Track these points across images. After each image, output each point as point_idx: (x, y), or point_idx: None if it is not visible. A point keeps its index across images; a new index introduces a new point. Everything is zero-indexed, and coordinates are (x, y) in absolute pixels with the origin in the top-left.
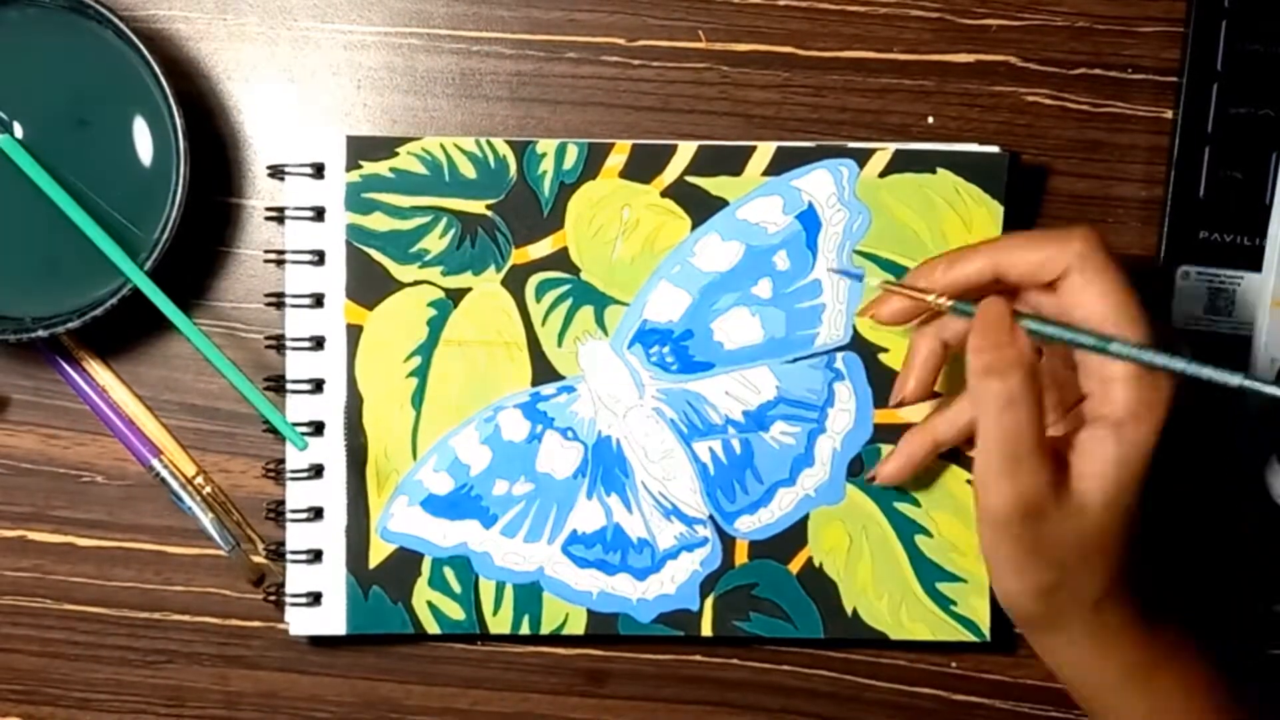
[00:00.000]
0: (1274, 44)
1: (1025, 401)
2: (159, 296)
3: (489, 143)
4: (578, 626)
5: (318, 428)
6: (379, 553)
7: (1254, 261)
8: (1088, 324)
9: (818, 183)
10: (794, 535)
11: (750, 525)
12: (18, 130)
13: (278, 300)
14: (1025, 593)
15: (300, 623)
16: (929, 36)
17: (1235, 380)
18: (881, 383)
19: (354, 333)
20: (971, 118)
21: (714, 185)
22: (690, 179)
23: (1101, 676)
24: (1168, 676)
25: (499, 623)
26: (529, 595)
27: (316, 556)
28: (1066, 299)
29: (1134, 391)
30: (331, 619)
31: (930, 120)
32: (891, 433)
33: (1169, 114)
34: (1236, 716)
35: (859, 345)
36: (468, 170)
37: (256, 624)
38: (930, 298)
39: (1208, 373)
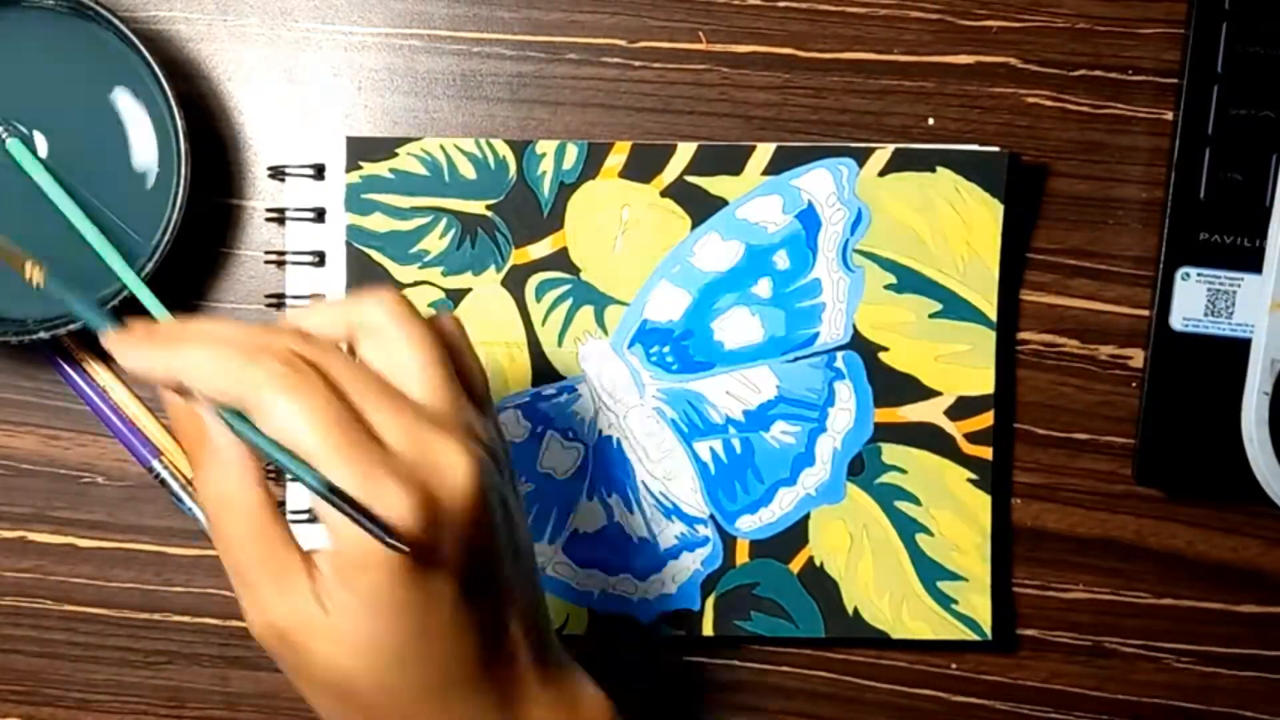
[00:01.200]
0: (1274, 46)
1: (238, 519)
2: (154, 303)
3: (489, 143)
4: (579, 626)
5: None
6: None
7: (1254, 263)
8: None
9: (817, 182)
10: (795, 534)
11: (751, 524)
12: (20, 131)
13: (278, 301)
14: (329, 715)
15: None
16: (929, 38)
17: (314, 479)
18: (882, 382)
19: None
20: (972, 119)
21: (713, 185)
22: (690, 179)
23: None
24: None
25: None
26: None
27: None
28: (260, 423)
29: (353, 531)
30: None
31: (930, 122)
32: (892, 431)
33: (1169, 115)
34: None
35: (859, 344)
36: (467, 171)
37: None
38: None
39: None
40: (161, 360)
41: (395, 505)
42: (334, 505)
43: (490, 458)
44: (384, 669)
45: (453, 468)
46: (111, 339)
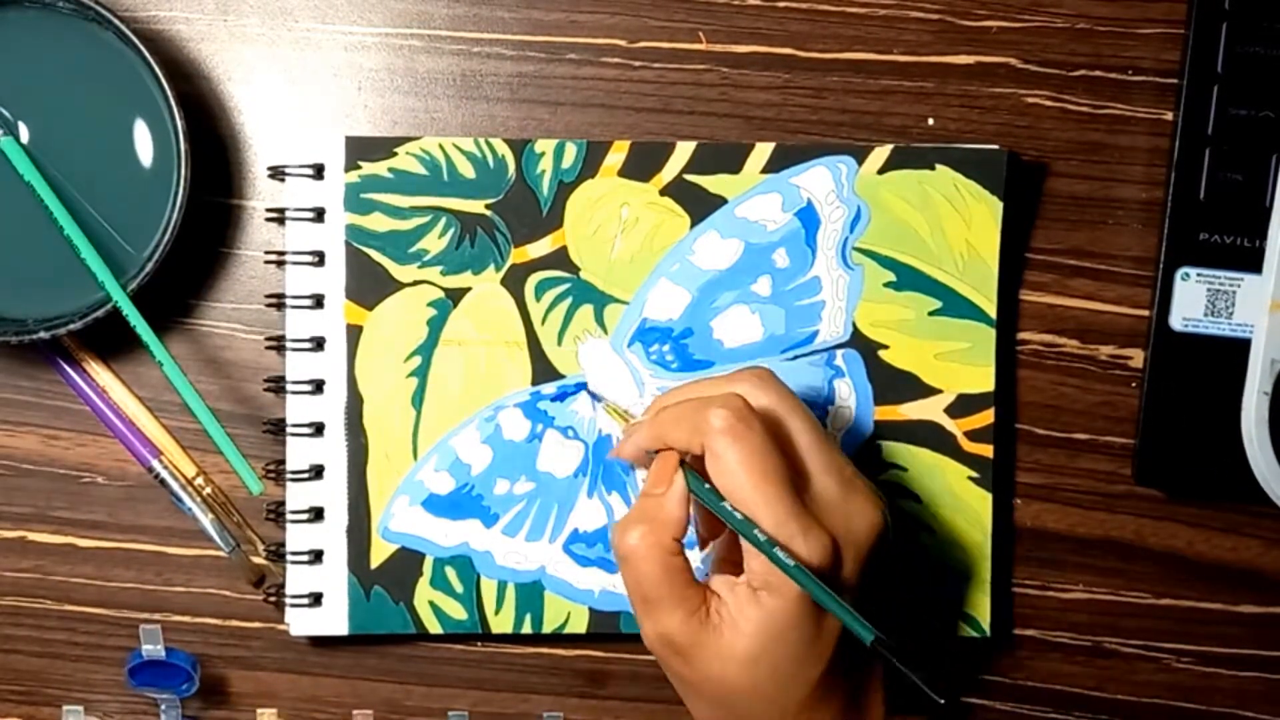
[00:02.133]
0: (1274, 46)
1: (644, 558)
2: (135, 316)
3: (488, 142)
4: (580, 625)
5: (318, 428)
6: (380, 553)
7: (1254, 263)
8: (728, 495)
9: (816, 180)
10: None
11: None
12: (21, 131)
13: (278, 301)
14: (701, 716)
15: (301, 623)
16: (929, 38)
17: (866, 635)
18: (882, 380)
19: (354, 333)
20: (972, 119)
21: (712, 183)
22: (689, 177)
23: None
24: None
25: (501, 622)
26: (531, 594)
27: (317, 557)
28: (711, 468)
29: (766, 567)
30: (333, 619)
31: (930, 122)
32: (893, 429)
33: (1169, 116)
34: None
35: (859, 342)
36: (466, 170)
37: (256, 624)
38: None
39: (816, 593)
40: (646, 431)
41: (814, 546)
42: (878, 645)
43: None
44: (767, 683)
45: (864, 516)
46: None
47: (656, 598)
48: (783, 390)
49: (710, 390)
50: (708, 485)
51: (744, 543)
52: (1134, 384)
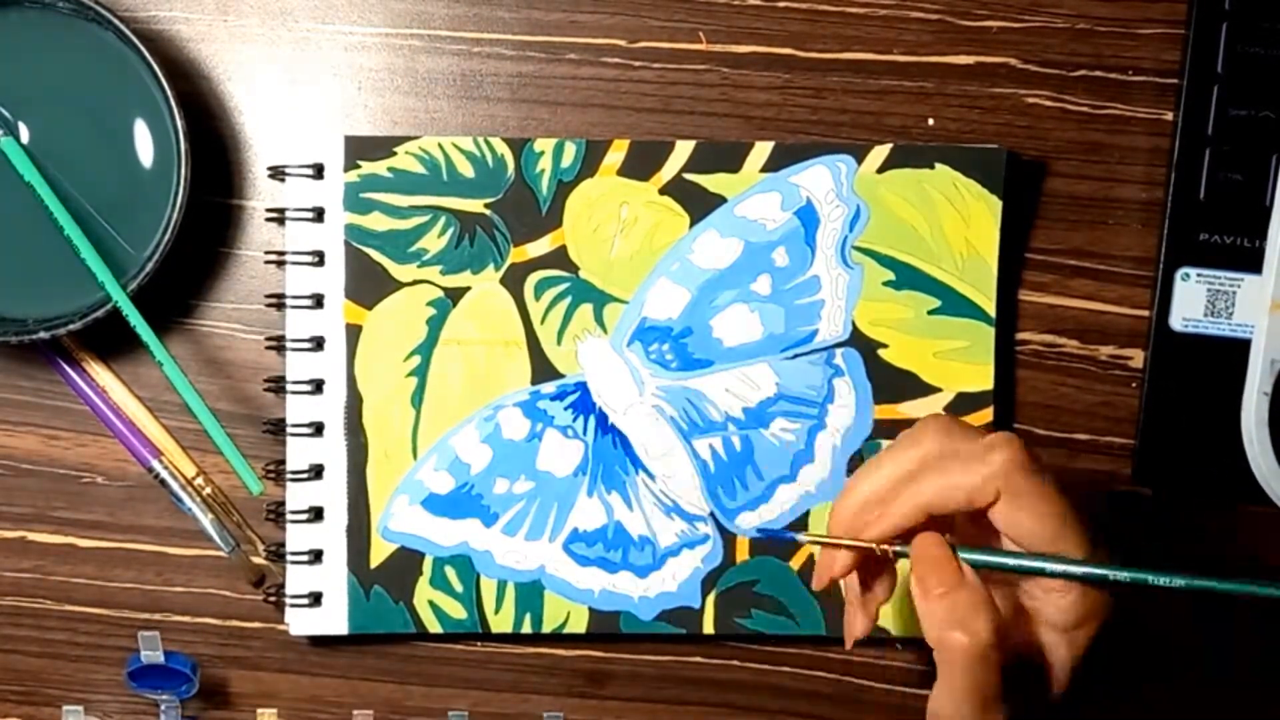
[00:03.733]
0: (1274, 46)
1: (994, 653)
2: (135, 316)
3: (487, 141)
4: (579, 625)
5: (318, 428)
6: (380, 552)
7: (1254, 263)
8: (1025, 544)
9: (816, 179)
10: (795, 531)
11: (751, 522)
12: (21, 131)
13: (278, 301)
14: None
15: (301, 623)
16: (929, 38)
17: (1179, 582)
18: (881, 378)
19: (353, 332)
20: (972, 119)
21: (712, 182)
22: (688, 176)
23: None
24: None
25: (501, 621)
26: (531, 594)
27: (317, 557)
28: (1000, 522)
29: (1078, 601)
30: (333, 619)
31: (930, 122)
32: (892, 428)
33: (1169, 116)
34: None
35: (858, 341)
36: (466, 169)
37: (256, 624)
38: (874, 546)
39: (1149, 578)
40: (907, 504)
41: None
42: None
43: None
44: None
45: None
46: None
47: (996, 695)
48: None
49: (903, 454)
50: (995, 553)
51: (1046, 583)
52: (1134, 384)
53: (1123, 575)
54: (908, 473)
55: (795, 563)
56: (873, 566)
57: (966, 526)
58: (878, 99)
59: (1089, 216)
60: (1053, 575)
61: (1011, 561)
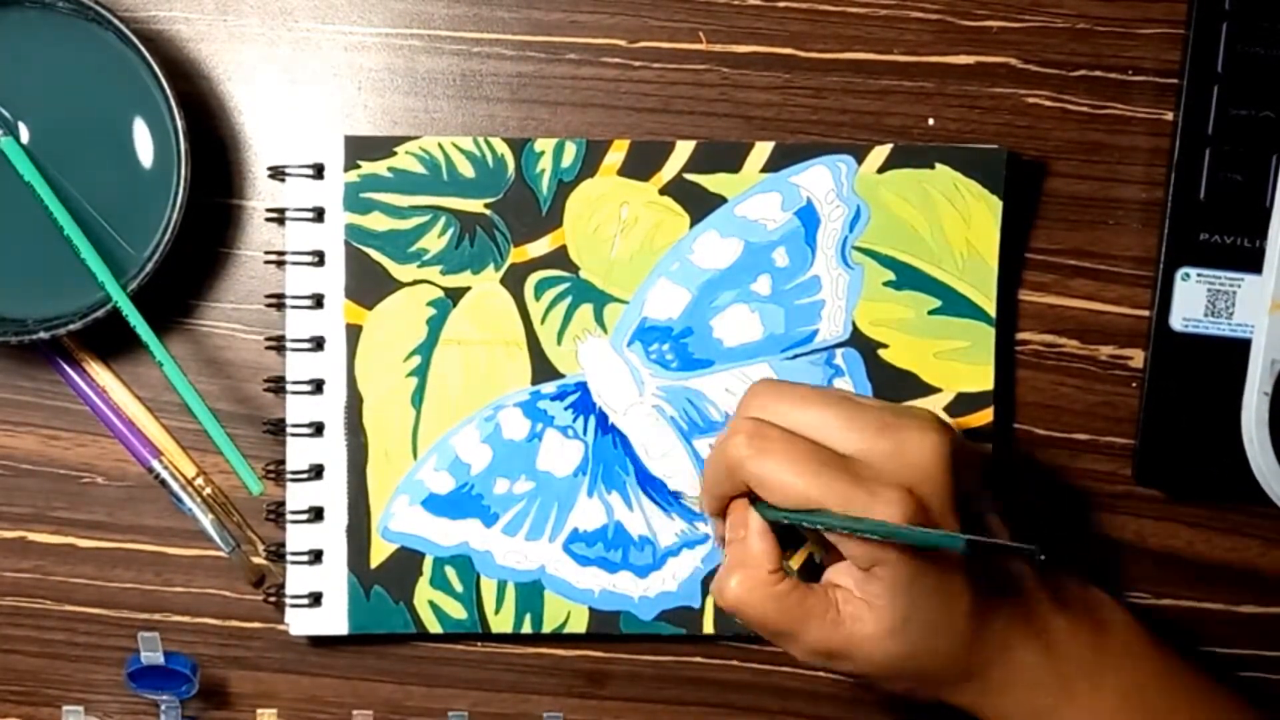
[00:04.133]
0: (1275, 46)
1: (750, 600)
2: (135, 316)
3: (487, 141)
4: (580, 625)
5: (318, 428)
6: (380, 552)
7: (1254, 264)
8: (790, 506)
9: (816, 179)
10: (795, 532)
11: None
12: (21, 131)
13: (278, 301)
14: (897, 691)
15: (301, 623)
16: (929, 38)
17: (957, 543)
18: (882, 379)
19: (353, 333)
20: (972, 119)
21: (712, 182)
22: (688, 176)
23: (1018, 710)
24: (1073, 714)
25: (501, 621)
26: (531, 594)
27: (317, 557)
28: (761, 493)
29: (862, 547)
30: (332, 619)
31: (931, 122)
32: None
33: (1169, 116)
34: None
35: (858, 341)
36: (466, 169)
37: (256, 625)
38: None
39: (912, 538)
40: (705, 493)
41: (889, 503)
42: (972, 548)
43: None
44: (925, 638)
45: (920, 447)
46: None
47: (786, 626)
48: (781, 388)
49: (723, 434)
50: (776, 509)
51: (833, 537)
52: (1134, 384)
53: (816, 520)
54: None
55: (796, 562)
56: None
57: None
58: (878, 99)
59: (1089, 216)
60: (818, 528)
61: (785, 517)
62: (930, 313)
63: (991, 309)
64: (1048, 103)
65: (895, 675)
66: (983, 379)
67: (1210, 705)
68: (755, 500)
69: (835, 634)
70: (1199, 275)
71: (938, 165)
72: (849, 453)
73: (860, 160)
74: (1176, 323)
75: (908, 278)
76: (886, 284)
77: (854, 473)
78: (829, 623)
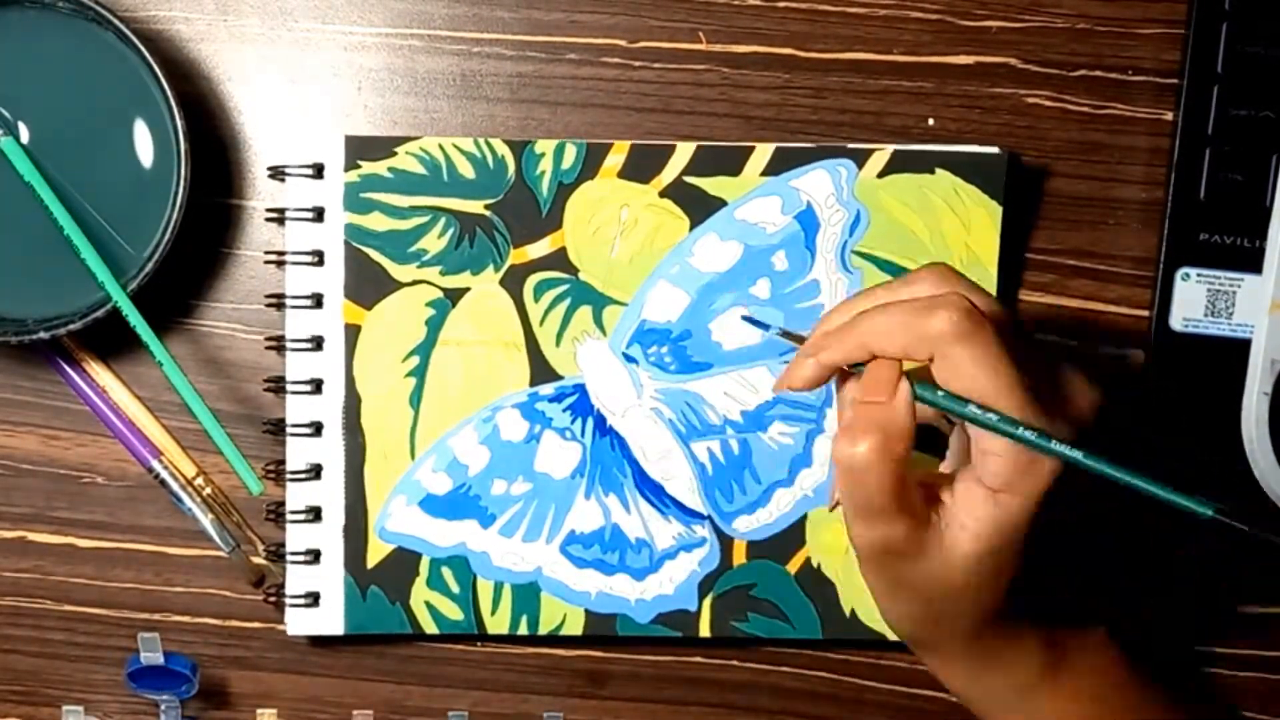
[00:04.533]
0: (1274, 46)
1: (873, 468)
2: (135, 316)
3: (487, 143)
4: (576, 627)
5: (317, 428)
6: (377, 553)
7: (1254, 264)
8: (966, 395)
9: (816, 183)
10: (792, 535)
11: (748, 525)
12: (21, 131)
13: (278, 301)
14: (898, 618)
15: (298, 623)
16: (929, 38)
17: (1123, 476)
18: None
19: (352, 332)
20: (972, 119)
21: (712, 185)
22: (689, 179)
23: (984, 694)
24: (1060, 694)
25: (497, 623)
26: (527, 595)
27: (316, 557)
28: (942, 373)
29: (1010, 467)
30: (330, 619)
31: (930, 122)
32: None
33: (1169, 116)
34: None
35: None
36: (466, 170)
37: (256, 625)
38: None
39: (1084, 459)
40: (850, 341)
41: (1061, 431)
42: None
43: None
44: (986, 580)
45: (1085, 396)
46: (798, 367)
47: (883, 507)
48: (978, 287)
49: (898, 294)
50: (940, 391)
51: (984, 444)
52: (1134, 384)
53: (1028, 435)
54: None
55: (792, 566)
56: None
57: None
58: (878, 99)
59: (1089, 216)
60: (972, 421)
61: (954, 405)
62: None
63: None
64: (1048, 103)
65: (927, 599)
66: None
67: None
68: (907, 373)
69: (917, 538)
70: (1199, 275)
71: (938, 170)
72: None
73: (860, 165)
74: (1176, 323)
75: None
76: None
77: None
78: (919, 527)
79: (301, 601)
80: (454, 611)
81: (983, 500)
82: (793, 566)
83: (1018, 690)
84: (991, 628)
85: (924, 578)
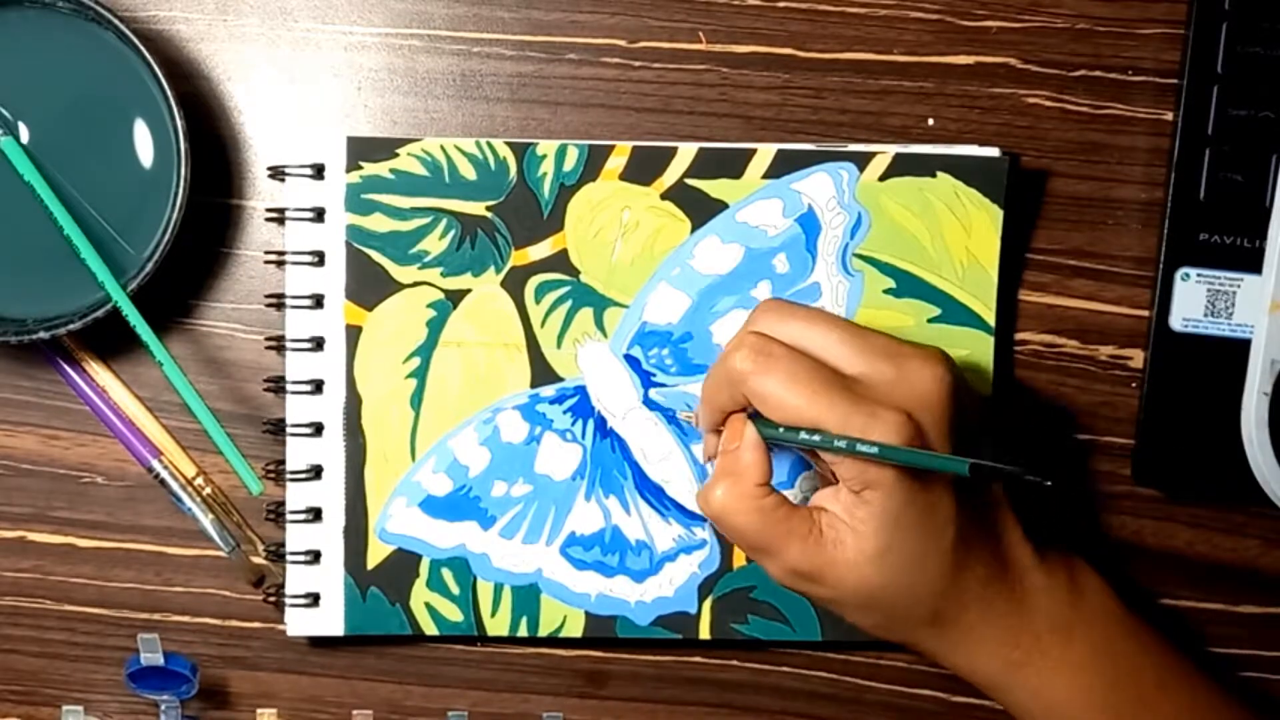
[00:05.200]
0: (1274, 46)
1: (732, 509)
2: (135, 316)
3: (489, 144)
4: (576, 629)
5: (317, 428)
6: (377, 554)
7: (1254, 264)
8: (789, 424)
9: (817, 186)
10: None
11: None
12: (21, 131)
13: (278, 301)
14: (865, 628)
15: (298, 623)
16: (929, 38)
17: (872, 450)
18: None
19: (353, 333)
20: (972, 119)
21: (714, 188)
22: (690, 181)
23: (971, 672)
24: (1044, 667)
25: (497, 624)
26: (527, 597)
27: (315, 557)
28: (762, 409)
29: (856, 467)
30: (329, 620)
31: (930, 122)
32: None
33: (1169, 116)
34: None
35: None
36: (468, 171)
37: (256, 625)
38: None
39: (880, 453)
40: (704, 409)
41: (887, 426)
42: (976, 473)
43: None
44: (904, 570)
45: (923, 377)
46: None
47: (766, 541)
48: (788, 307)
49: (727, 346)
50: (773, 425)
51: (828, 458)
52: (1134, 384)
53: (840, 445)
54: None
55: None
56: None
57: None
58: (878, 99)
59: (1089, 217)
60: (805, 445)
61: (782, 435)
62: (930, 321)
63: (991, 318)
64: (1048, 103)
65: (867, 605)
66: (981, 387)
67: (1177, 668)
68: (754, 417)
69: (815, 555)
70: (1199, 275)
71: (939, 173)
72: (852, 374)
73: (862, 168)
74: (1176, 323)
75: (908, 286)
76: (886, 291)
77: (856, 394)
78: (810, 543)
79: (301, 602)
80: (454, 613)
81: (854, 503)
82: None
83: (997, 671)
84: (955, 608)
85: (850, 588)
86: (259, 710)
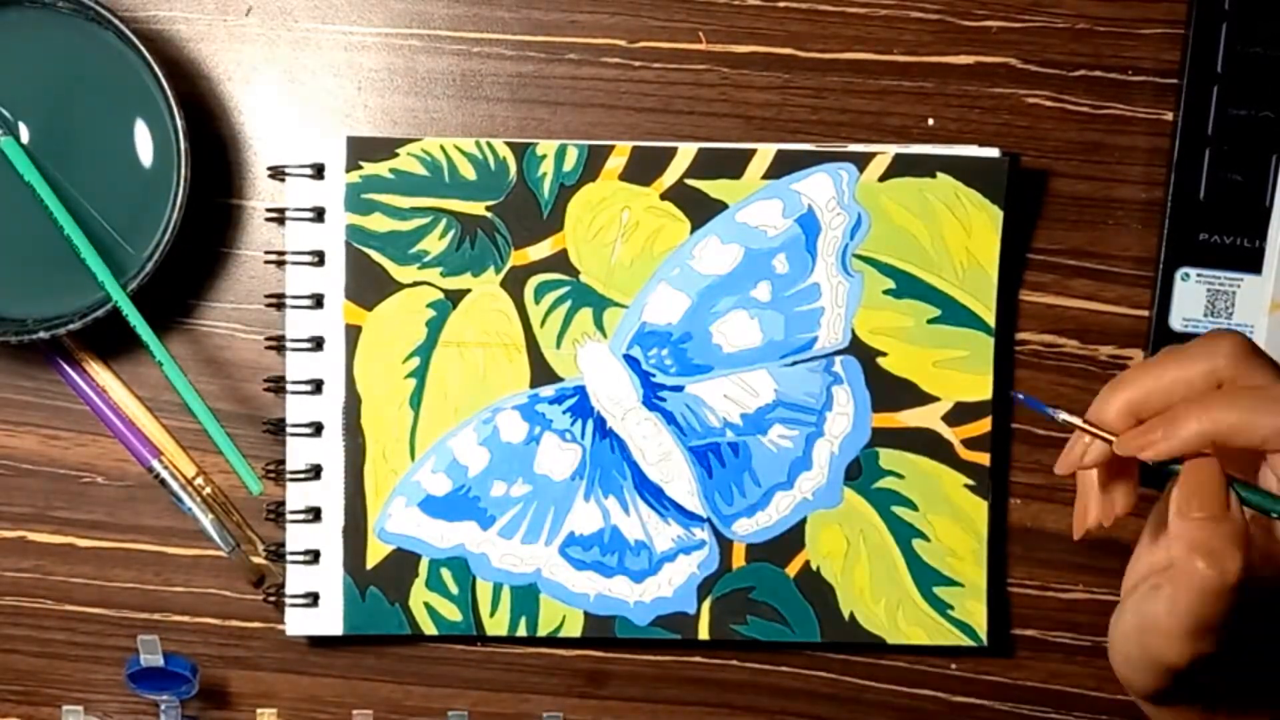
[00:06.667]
0: (1274, 46)
1: (1233, 594)
2: (135, 316)
3: (489, 144)
4: (575, 629)
5: (317, 428)
6: (376, 553)
7: (1254, 264)
8: None
9: (817, 186)
10: (791, 538)
11: (748, 528)
12: (21, 131)
13: (278, 301)
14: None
15: (297, 623)
16: (929, 38)
17: None
18: (880, 386)
19: (353, 333)
20: (972, 119)
21: (714, 188)
22: (690, 182)
23: None
24: None
25: (496, 624)
26: (526, 597)
27: (315, 557)
28: None
29: None
30: (328, 620)
31: (930, 122)
32: (890, 436)
33: (1169, 116)
34: None
35: (858, 349)
36: (467, 171)
37: (256, 625)
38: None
39: None
40: (1186, 431)
41: None
42: None
43: None
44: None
45: None
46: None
47: (1218, 628)
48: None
49: (1189, 368)
50: (1265, 494)
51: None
52: None
53: None
54: (1193, 389)
55: (791, 570)
56: (1118, 468)
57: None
58: (878, 99)
59: (1089, 216)
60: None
61: (1256, 500)
62: (929, 321)
63: (991, 318)
64: (1048, 103)
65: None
66: (981, 388)
67: None
68: (1233, 481)
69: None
70: (1199, 275)
71: (939, 174)
72: None
73: (862, 168)
74: (1176, 323)
75: (907, 286)
76: (886, 292)
77: None
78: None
79: (301, 601)
80: (453, 613)
81: None
82: (792, 570)
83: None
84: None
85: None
86: (259, 710)
